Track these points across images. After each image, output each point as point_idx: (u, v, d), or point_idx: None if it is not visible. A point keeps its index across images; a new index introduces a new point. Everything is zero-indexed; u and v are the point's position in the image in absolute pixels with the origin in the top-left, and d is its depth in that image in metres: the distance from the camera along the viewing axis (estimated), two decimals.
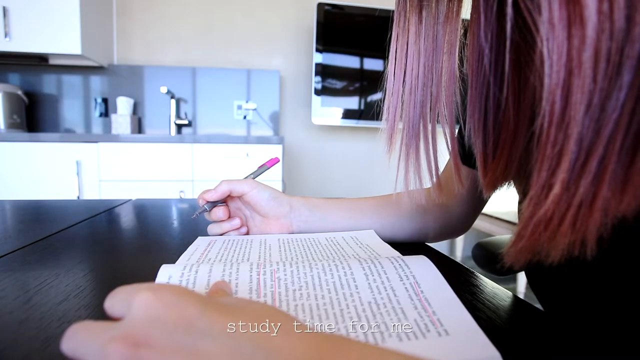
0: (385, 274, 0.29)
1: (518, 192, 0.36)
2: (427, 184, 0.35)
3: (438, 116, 0.31)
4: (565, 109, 0.17)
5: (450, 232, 0.52)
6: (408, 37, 0.31)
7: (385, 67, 0.34)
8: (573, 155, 0.17)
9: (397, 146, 0.34)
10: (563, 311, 0.36)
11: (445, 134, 0.32)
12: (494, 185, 0.29)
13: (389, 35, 0.33)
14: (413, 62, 0.31)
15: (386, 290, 0.27)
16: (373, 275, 0.29)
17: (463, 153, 0.35)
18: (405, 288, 0.27)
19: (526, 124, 0.25)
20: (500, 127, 0.27)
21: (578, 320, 0.33)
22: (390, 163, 0.35)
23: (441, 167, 0.35)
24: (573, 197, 0.18)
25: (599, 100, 0.17)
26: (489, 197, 0.35)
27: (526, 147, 0.25)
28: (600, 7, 0.16)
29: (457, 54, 0.29)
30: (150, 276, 0.28)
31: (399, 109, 0.33)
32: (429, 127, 0.32)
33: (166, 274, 0.28)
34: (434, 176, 0.34)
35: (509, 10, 0.21)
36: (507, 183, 0.30)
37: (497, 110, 0.26)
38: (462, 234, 0.53)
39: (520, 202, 0.36)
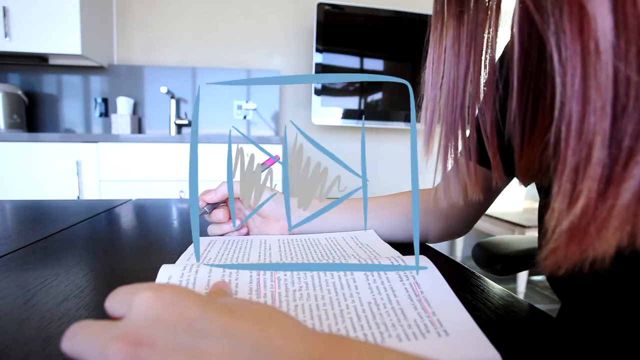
0: (385, 274, 0.29)
1: (539, 192, 0.36)
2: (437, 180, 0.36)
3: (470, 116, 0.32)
4: (584, 116, 0.16)
5: (450, 233, 0.52)
6: (445, 43, 0.31)
7: (422, 74, 0.34)
8: (602, 162, 0.16)
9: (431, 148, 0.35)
10: (579, 302, 0.35)
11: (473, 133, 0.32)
12: (527, 172, 0.30)
13: (424, 47, 0.33)
14: (451, 66, 0.31)
15: (386, 291, 0.27)
16: (373, 276, 0.29)
17: (481, 152, 0.35)
18: (405, 288, 0.27)
19: None
20: (537, 115, 0.27)
21: (593, 311, 0.33)
22: (428, 166, 0.34)
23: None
24: (613, 204, 0.17)
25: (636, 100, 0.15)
26: (527, 185, 0.34)
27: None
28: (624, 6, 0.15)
29: (495, 53, 0.30)
30: (150, 276, 0.28)
31: (436, 113, 0.33)
32: (467, 127, 0.33)
33: (166, 274, 0.28)
34: (472, 174, 0.34)
35: (533, 16, 0.21)
36: (541, 173, 0.30)
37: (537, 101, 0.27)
38: (462, 235, 0.53)
39: (541, 205, 0.36)
